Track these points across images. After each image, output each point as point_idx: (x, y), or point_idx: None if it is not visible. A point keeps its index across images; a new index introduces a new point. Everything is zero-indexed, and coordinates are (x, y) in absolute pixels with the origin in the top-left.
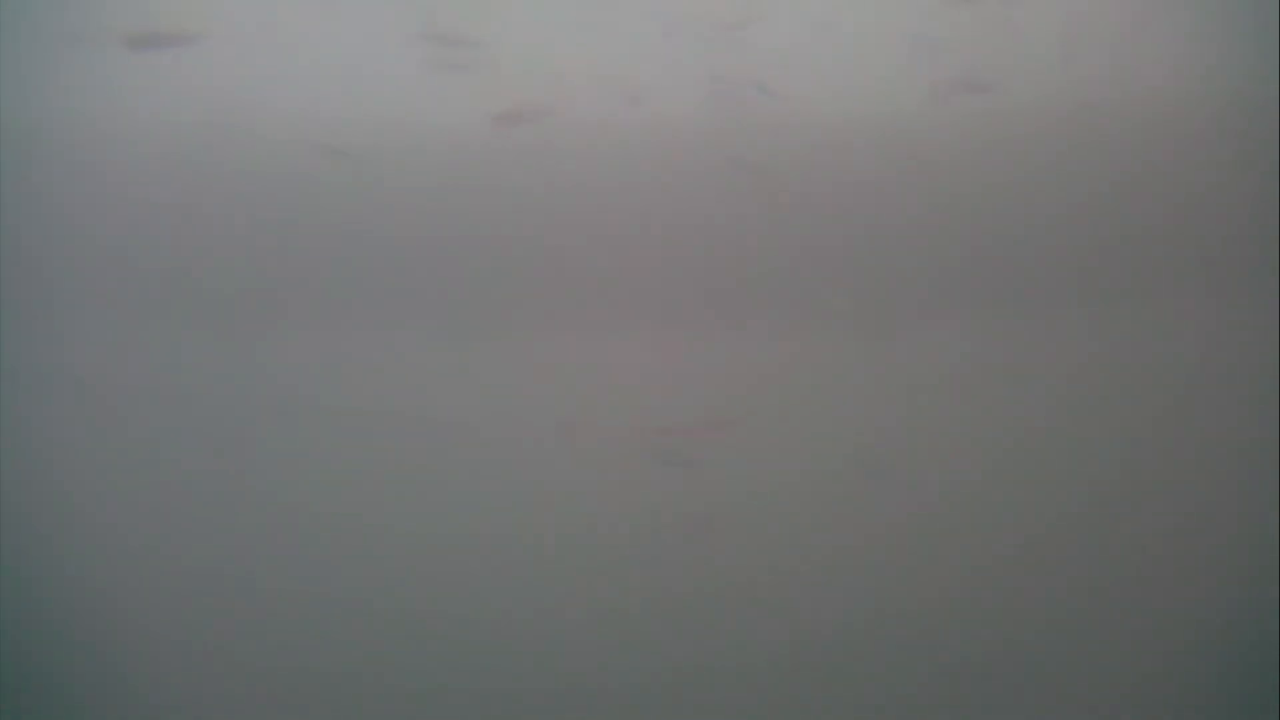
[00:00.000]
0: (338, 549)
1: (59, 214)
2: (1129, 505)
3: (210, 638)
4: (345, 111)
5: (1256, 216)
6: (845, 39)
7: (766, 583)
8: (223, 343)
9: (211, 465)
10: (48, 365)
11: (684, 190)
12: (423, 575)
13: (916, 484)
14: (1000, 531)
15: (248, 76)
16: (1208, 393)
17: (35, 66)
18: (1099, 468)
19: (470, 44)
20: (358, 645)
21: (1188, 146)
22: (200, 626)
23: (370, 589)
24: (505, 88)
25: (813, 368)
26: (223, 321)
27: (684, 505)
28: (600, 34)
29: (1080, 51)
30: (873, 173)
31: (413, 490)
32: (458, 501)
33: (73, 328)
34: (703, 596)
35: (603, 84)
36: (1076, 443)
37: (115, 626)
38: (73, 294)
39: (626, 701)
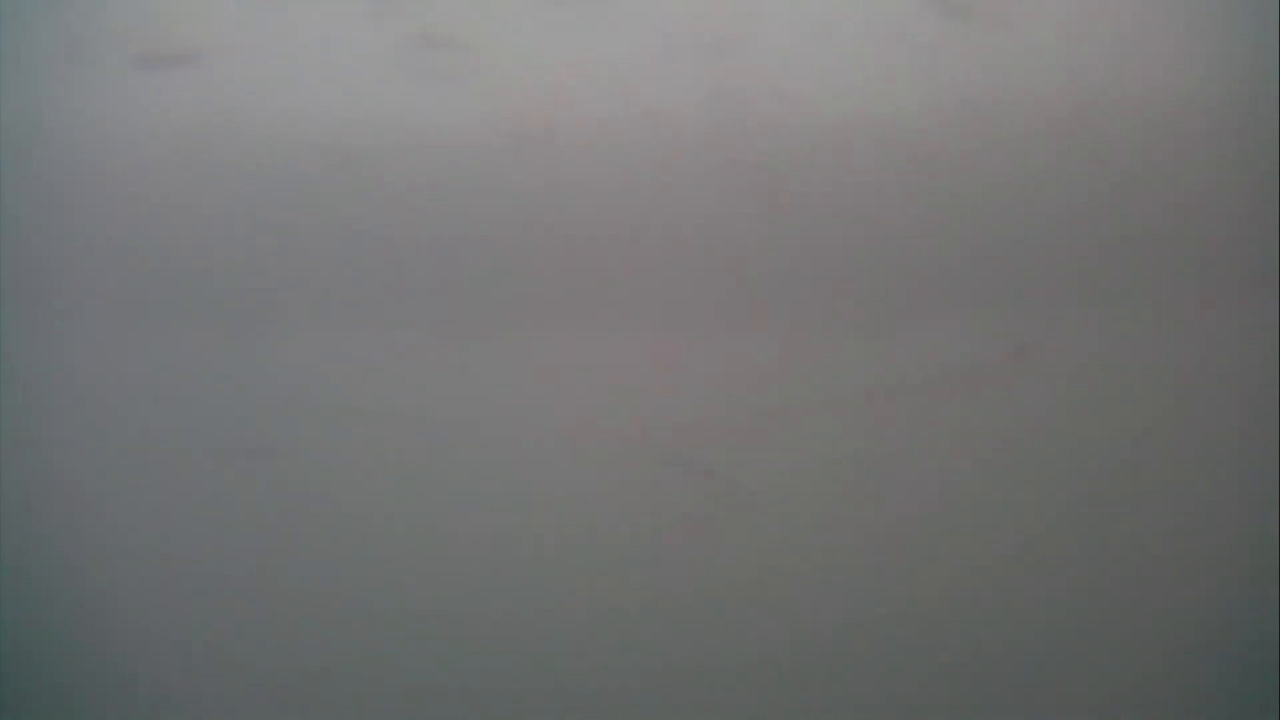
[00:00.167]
0: (338, 549)
1: (59, 214)
2: (1129, 505)
3: (210, 637)
4: (345, 113)
5: (1256, 216)
6: (845, 39)
7: (766, 583)
8: (222, 343)
9: (211, 465)
10: (47, 365)
11: (684, 190)
12: (423, 575)
13: (916, 484)
14: (1000, 531)
15: (248, 79)
16: (1208, 393)
17: (37, 74)
18: (1099, 468)
19: (471, 47)
20: (358, 645)
21: (1188, 146)
22: (200, 626)
23: (371, 589)
24: (505, 89)
25: (812, 367)
26: (222, 321)
27: (684, 505)
28: (600, 35)
29: (1080, 51)
30: (873, 173)
31: (413, 490)
32: (458, 502)
33: (73, 328)
34: (703, 596)
35: (602, 85)
36: (1076, 443)
37: (116, 627)
38: (73, 294)
39: (627, 701)
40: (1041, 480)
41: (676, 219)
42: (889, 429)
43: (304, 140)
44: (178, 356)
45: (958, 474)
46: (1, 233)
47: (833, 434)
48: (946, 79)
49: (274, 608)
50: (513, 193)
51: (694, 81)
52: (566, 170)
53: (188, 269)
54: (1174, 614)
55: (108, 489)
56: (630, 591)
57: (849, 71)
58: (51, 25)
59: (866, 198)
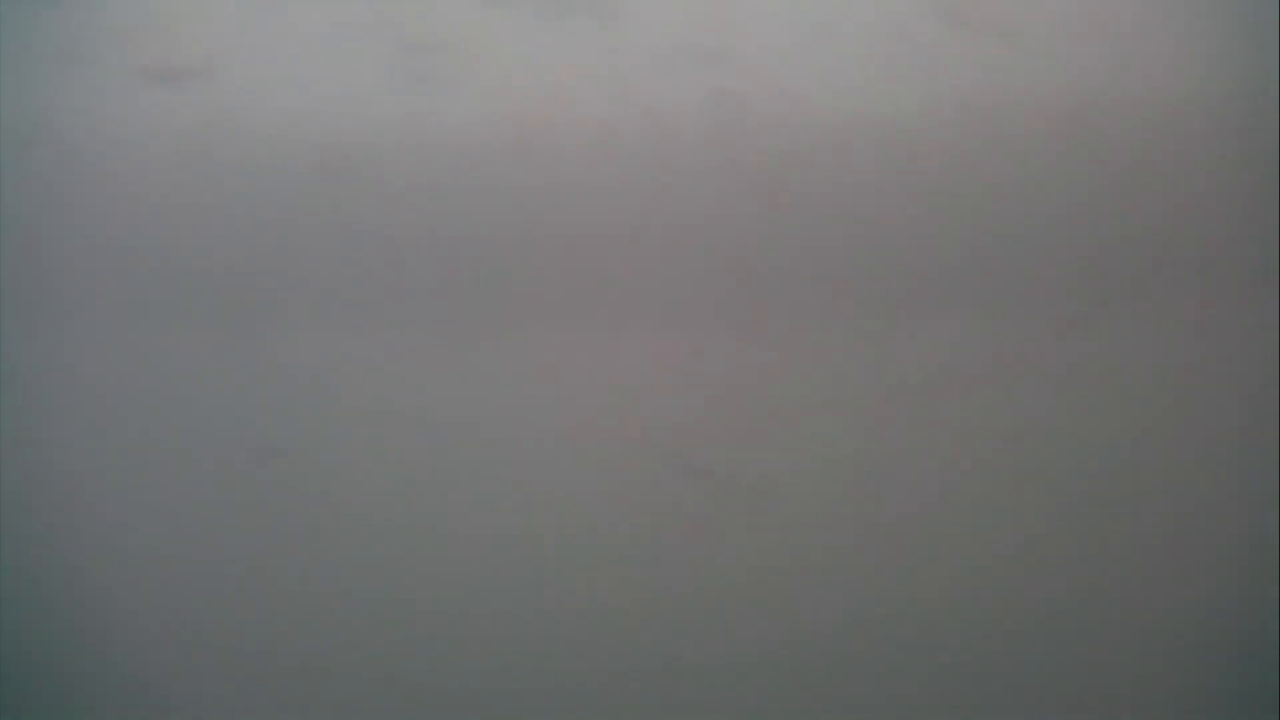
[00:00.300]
0: (338, 548)
1: (66, 216)
2: (1129, 505)
3: (209, 638)
4: (347, 116)
5: (1256, 216)
6: (845, 41)
7: (766, 583)
8: (223, 343)
9: (211, 465)
10: (50, 366)
11: (684, 191)
12: (423, 575)
13: (916, 484)
14: (1000, 531)
15: (251, 85)
16: (1208, 393)
17: (41, 78)
18: (1099, 468)
19: (470, 52)
20: (357, 644)
21: (1188, 146)
22: (198, 626)
23: (371, 589)
24: (506, 91)
25: (812, 367)
26: (223, 322)
27: (684, 505)
28: (600, 37)
29: (1080, 52)
30: (873, 173)
31: (414, 490)
32: (458, 502)
33: (75, 329)
34: (703, 596)
35: (603, 86)
36: (1076, 443)
37: (115, 626)
38: (76, 296)
39: (627, 701)
40: (1041, 480)
41: (677, 219)
42: (889, 429)
43: (306, 142)
44: (178, 358)
45: (958, 474)
46: (8, 235)
47: (833, 434)
48: (946, 79)
49: (273, 606)
50: (514, 194)
51: (694, 83)
52: (567, 171)
53: (188, 271)
54: (1174, 614)
55: (107, 489)
56: (630, 591)
57: (849, 72)
58: (56, 30)
59: (866, 198)
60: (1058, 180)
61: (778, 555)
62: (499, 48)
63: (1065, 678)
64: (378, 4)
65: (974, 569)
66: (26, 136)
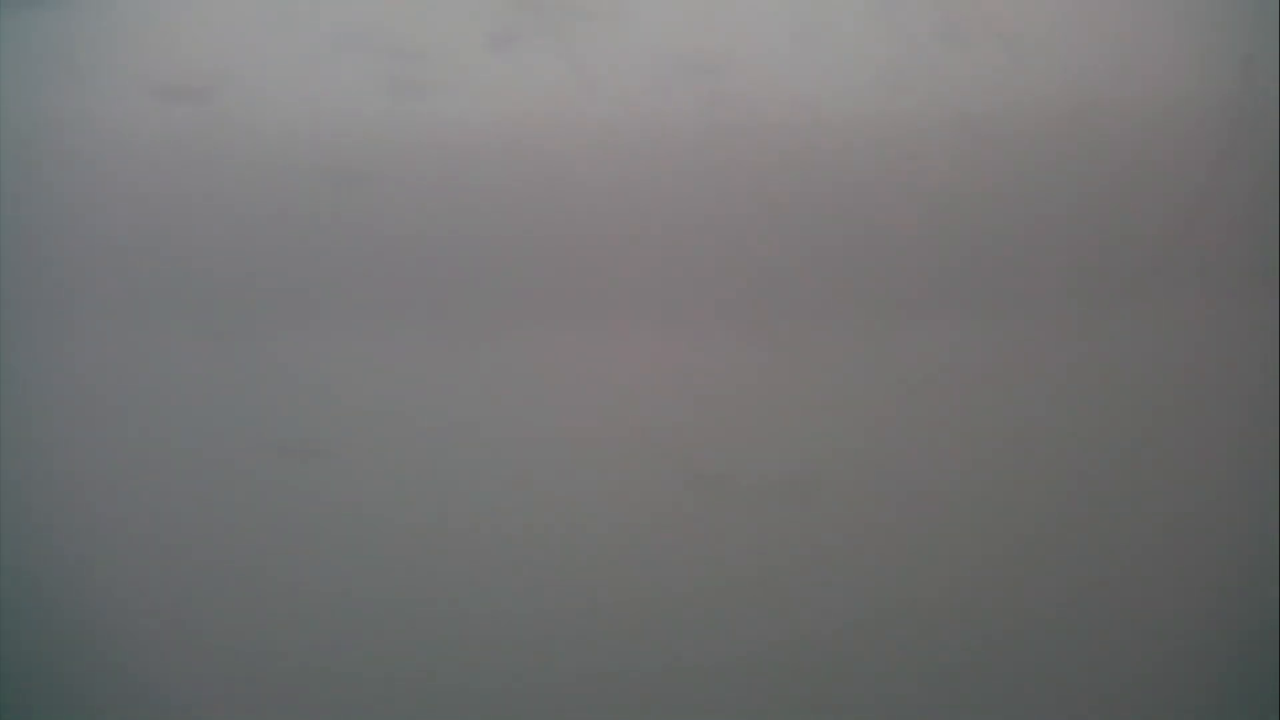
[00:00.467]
0: (338, 549)
1: (60, 215)
2: (1129, 505)
3: (208, 636)
4: (349, 119)
5: (1256, 216)
6: (845, 41)
7: (766, 582)
8: (223, 344)
9: (211, 465)
10: (54, 366)
11: (684, 192)
12: (423, 575)
13: (917, 484)
14: (1000, 531)
15: (254, 96)
16: (1208, 393)
17: (46, 82)
18: (1099, 468)
19: (470, 54)
20: (356, 644)
21: (1188, 146)
22: (199, 625)
23: (371, 588)
24: (506, 92)
25: (813, 367)
26: (223, 323)
27: (684, 505)
28: (600, 38)
29: (1080, 52)
30: (873, 173)
31: (414, 490)
32: (458, 501)
33: (73, 328)
34: (703, 596)
35: (603, 87)
36: (1076, 443)
37: (116, 626)
38: (73, 295)
39: (627, 701)
40: (1041, 480)
41: (677, 221)
42: (889, 429)
43: (308, 145)
44: (181, 359)
45: (958, 474)
46: (21, 242)
47: (833, 434)
48: (946, 80)
49: (274, 606)
50: (515, 196)
51: (694, 84)
52: (568, 173)
53: (188, 273)
54: (1174, 613)
55: (107, 489)
56: (631, 591)
57: (849, 73)
58: (58, 35)
59: (867, 198)
60: (1058, 181)
61: (778, 555)
62: (499, 49)
63: (1065, 678)
64: (375, 12)
65: (974, 569)
66: (30, 139)
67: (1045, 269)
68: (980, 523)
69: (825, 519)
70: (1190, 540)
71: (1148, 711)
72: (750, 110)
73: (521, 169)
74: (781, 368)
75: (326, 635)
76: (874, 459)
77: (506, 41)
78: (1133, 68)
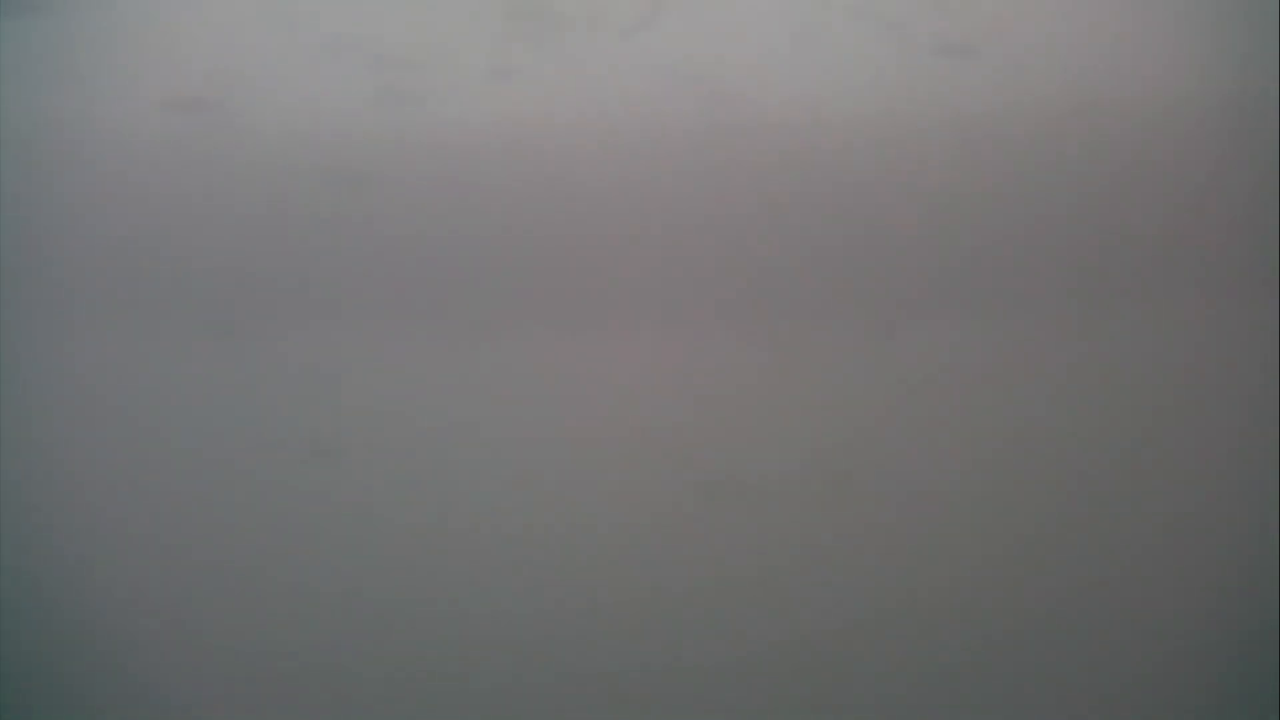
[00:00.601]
0: (337, 549)
1: (63, 217)
2: (1129, 505)
3: (211, 637)
4: (347, 119)
5: (1256, 216)
6: (845, 41)
7: (766, 582)
8: (224, 345)
9: (211, 466)
10: (49, 366)
11: (684, 193)
12: (423, 575)
13: (916, 484)
14: (1000, 531)
15: (254, 94)
16: (1208, 393)
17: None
18: (1099, 468)
19: (472, 54)
20: (356, 643)
21: (1188, 146)
22: (200, 625)
23: (371, 589)
24: (507, 94)
25: (813, 367)
26: (224, 324)
27: (683, 503)
28: (600, 38)
29: (1080, 52)
30: (873, 173)
31: (414, 490)
32: (457, 501)
33: (75, 329)
34: (702, 596)
35: (603, 88)
36: (1076, 443)
37: (116, 626)
38: (75, 297)
39: (627, 700)
40: (1041, 480)
41: (677, 221)
42: (889, 429)
43: (310, 147)
44: (182, 360)
45: (958, 474)
46: (23, 244)
47: (833, 434)
48: (946, 80)
49: (274, 606)
50: (515, 197)
51: (693, 85)
52: (568, 173)
53: (189, 274)
54: (1174, 613)
55: (109, 490)
56: (631, 591)
57: (849, 73)
58: (62, 46)
59: (867, 199)
60: (1057, 181)
61: (778, 555)
62: (500, 51)
63: (1065, 678)
64: (376, 18)
65: (974, 569)
66: (32, 141)
67: (1045, 269)
68: (980, 522)
69: (825, 519)
70: (1190, 540)
71: (1148, 711)
72: (750, 110)
73: (522, 170)
74: (781, 368)
75: (327, 634)
76: (874, 459)
77: (507, 44)
78: (1133, 68)
